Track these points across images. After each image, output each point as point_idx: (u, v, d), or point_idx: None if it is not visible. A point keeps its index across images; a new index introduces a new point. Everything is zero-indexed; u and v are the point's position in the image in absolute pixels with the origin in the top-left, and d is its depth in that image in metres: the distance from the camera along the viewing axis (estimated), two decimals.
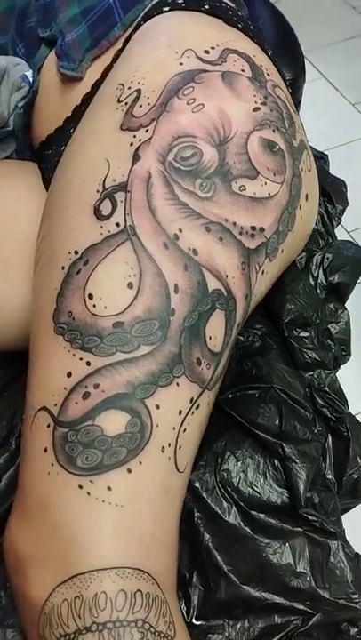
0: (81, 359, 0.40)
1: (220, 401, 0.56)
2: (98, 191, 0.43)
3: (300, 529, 0.52)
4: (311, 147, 0.58)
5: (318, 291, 0.67)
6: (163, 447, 0.40)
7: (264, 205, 0.45)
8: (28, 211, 0.57)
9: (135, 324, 0.40)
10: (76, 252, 0.42)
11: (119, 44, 0.55)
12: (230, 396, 0.57)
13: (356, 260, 0.69)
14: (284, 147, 0.46)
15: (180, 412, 0.41)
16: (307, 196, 0.51)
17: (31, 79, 0.60)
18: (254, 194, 0.44)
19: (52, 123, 0.59)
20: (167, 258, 0.41)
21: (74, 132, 0.51)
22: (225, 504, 0.52)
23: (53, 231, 0.46)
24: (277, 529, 0.52)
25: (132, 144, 0.43)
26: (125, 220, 0.42)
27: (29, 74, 0.60)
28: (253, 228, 0.44)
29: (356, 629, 0.52)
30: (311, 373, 0.61)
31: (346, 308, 0.68)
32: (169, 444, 0.40)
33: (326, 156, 0.85)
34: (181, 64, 0.46)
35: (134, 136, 0.44)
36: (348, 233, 1.35)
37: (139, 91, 0.45)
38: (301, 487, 0.53)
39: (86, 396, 0.40)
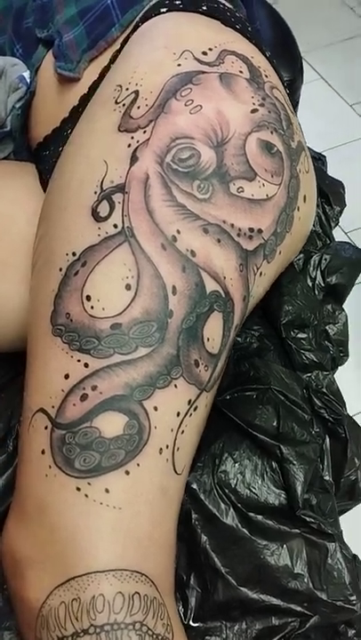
0: (79, 361, 0.40)
1: (218, 402, 0.56)
2: (95, 193, 0.43)
3: (297, 530, 0.52)
4: (309, 148, 0.58)
5: (316, 292, 0.67)
6: (161, 449, 0.40)
7: (262, 207, 0.45)
8: (25, 212, 0.57)
9: (133, 325, 0.40)
10: (73, 254, 0.42)
11: (117, 45, 0.54)
12: (228, 397, 0.57)
13: (354, 261, 0.69)
14: (282, 148, 0.46)
15: (178, 414, 0.41)
16: (305, 197, 0.51)
17: (28, 80, 0.60)
18: (252, 195, 0.44)
19: (50, 123, 0.59)
20: (165, 259, 0.41)
21: (71, 133, 0.50)
22: (223, 506, 0.52)
23: (51, 232, 0.46)
24: (275, 530, 0.52)
25: (129, 145, 0.43)
26: (123, 222, 0.42)
27: (27, 74, 0.60)
28: (251, 229, 0.44)
29: (353, 631, 0.52)
30: (309, 375, 0.61)
31: (344, 310, 0.68)
32: (167, 446, 0.40)
33: (324, 157, 0.85)
34: (179, 65, 0.46)
35: (132, 137, 0.44)
36: (346, 234, 1.35)
37: (136, 92, 0.45)
38: (299, 489, 0.53)
39: (84, 397, 0.40)
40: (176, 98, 0.44)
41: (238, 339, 0.62)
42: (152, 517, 0.40)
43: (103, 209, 0.42)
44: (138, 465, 0.39)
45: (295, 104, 0.86)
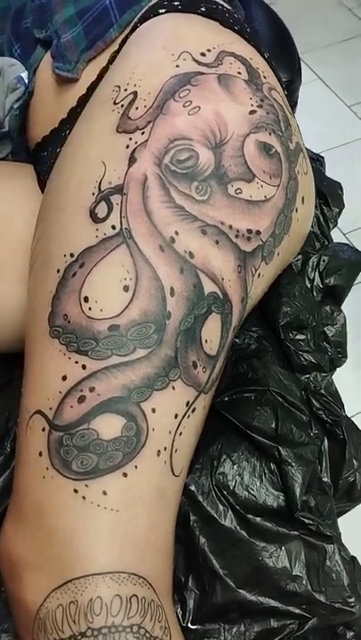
0: (76, 362, 0.40)
1: (216, 404, 0.56)
2: (94, 194, 0.43)
3: (296, 532, 0.52)
4: (307, 149, 0.58)
5: (314, 293, 0.67)
6: (158, 451, 0.40)
7: (260, 208, 0.45)
8: (23, 213, 0.57)
9: (131, 327, 0.40)
10: (71, 255, 0.42)
11: (115, 46, 0.54)
12: (226, 398, 0.57)
13: (352, 262, 0.70)
14: (280, 149, 0.46)
15: (176, 416, 0.41)
16: (303, 198, 0.51)
17: (26, 80, 0.60)
18: (250, 197, 0.44)
19: (48, 124, 0.59)
20: (163, 261, 0.41)
21: (69, 134, 0.50)
22: (221, 507, 0.52)
23: (49, 233, 0.46)
24: (273, 532, 0.52)
25: (127, 146, 0.43)
26: (121, 223, 0.41)
27: (25, 75, 0.60)
28: (250, 231, 0.44)
29: (352, 633, 0.52)
30: (307, 376, 0.61)
31: (342, 311, 0.68)
32: (165, 448, 0.40)
33: (322, 157, 0.85)
34: (178, 66, 0.45)
35: (130, 138, 0.43)
36: (344, 235, 1.35)
37: (135, 93, 0.45)
38: (297, 490, 0.53)
39: (82, 399, 0.39)
40: (174, 99, 0.44)
41: (237, 340, 0.62)
42: (150, 520, 0.39)
43: (101, 210, 0.42)
44: (135, 467, 0.39)
45: (293, 105, 0.86)
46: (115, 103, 0.46)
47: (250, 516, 0.52)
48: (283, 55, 0.87)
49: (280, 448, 0.54)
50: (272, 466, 0.54)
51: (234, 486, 0.53)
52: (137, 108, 0.44)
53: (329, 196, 0.75)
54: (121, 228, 0.41)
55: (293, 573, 0.50)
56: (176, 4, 0.51)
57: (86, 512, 0.38)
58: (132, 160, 0.43)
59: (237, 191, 0.43)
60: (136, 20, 0.53)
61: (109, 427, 0.39)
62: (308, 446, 0.55)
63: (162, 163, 0.42)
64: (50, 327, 0.42)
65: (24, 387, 0.43)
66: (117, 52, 0.52)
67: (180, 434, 0.41)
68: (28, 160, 0.64)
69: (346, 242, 1.28)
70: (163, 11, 0.51)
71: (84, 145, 0.46)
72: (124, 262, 0.41)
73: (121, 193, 0.42)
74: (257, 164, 0.44)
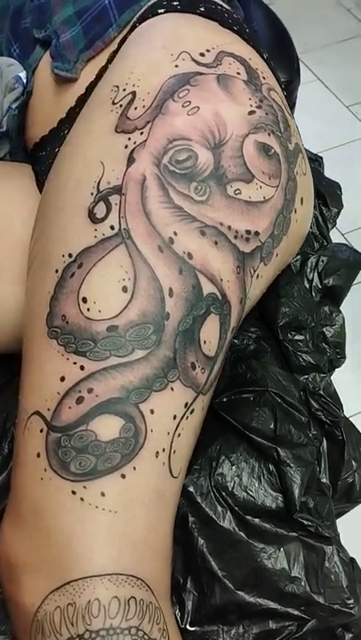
0: (75, 363, 0.40)
1: (215, 405, 0.56)
2: (92, 194, 0.43)
3: (294, 534, 0.52)
4: (306, 149, 0.58)
5: (313, 294, 0.67)
6: (157, 452, 0.40)
7: (259, 209, 0.44)
8: (21, 213, 0.57)
9: (129, 327, 0.40)
10: (70, 255, 0.42)
11: (114, 46, 0.54)
12: (225, 399, 0.57)
13: (351, 262, 0.69)
14: (279, 150, 0.46)
15: (175, 417, 0.41)
16: (302, 199, 0.51)
17: (25, 80, 0.60)
18: (249, 197, 0.44)
19: (47, 124, 0.59)
20: (162, 261, 0.41)
21: (68, 134, 0.50)
22: (219, 508, 0.52)
23: (47, 233, 0.46)
24: (272, 534, 0.52)
25: (126, 146, 0.43)
26: (120, 224, 0.41)
27: (23, 75, 0.60)
28: (248, 231, 0.44)
29: (350, 635, 0.52)
30: (306, 377, 0.61)
31: (341, 311, 0.68)
32: (163, 449, 0.40)
33: (321, 158, 0.85)
34: (177, 66, 0.45)
35: (129, 138, 0.43)
36: (343, 235, 1.35)
37: (134, 93, 0.45)
38: (296, 491, 0.53)
39: (80, 400, 0.39)
40: (173, 99, 0.44)
41: (235, 341, 0.62)
42: (148, 521, 0.39)
43: (100, 210, 0.42)
44: (134, 468, 0.39)
45: (292, 105, 0.86)
46: (113, 103, 0.46)
47: (249, 518, 0.52)
48: (282, 55, 0.87)
49: (279, 449, 0.54)
50: (271, 467, 0.54)
51: (233, 487, 0.53)
52: (136, 108, 0.44)
53: (328, 196, 0.75)
54: (120, 229, 0.41)
55: (292, 575, 0.50)
56: (175, 4, 0.51)
57: (84, 513, 0.38)
58: (130, 160, 0.43)
59: (236, 192, 0.43)
60: (135, 19, 0.53)
61: (108, 428, 0.39)
62: (307, 447, 0.55)
63: (161, 163, 0.42)
64: (48, 328, 0.42)
65: (22, 387, 0.43)
66: (116, 51, 0.52)
67: (179, 435, 0.41)
68: (26, 160, 0.63)
69: (345, 242, 1.28)
70: (162, 11, 0.50)
71: (83, 145, 0.46)
72: (123, 263, 0.41)
73: (120, 193, 0.42)
74: (256, 164, 0.44)
